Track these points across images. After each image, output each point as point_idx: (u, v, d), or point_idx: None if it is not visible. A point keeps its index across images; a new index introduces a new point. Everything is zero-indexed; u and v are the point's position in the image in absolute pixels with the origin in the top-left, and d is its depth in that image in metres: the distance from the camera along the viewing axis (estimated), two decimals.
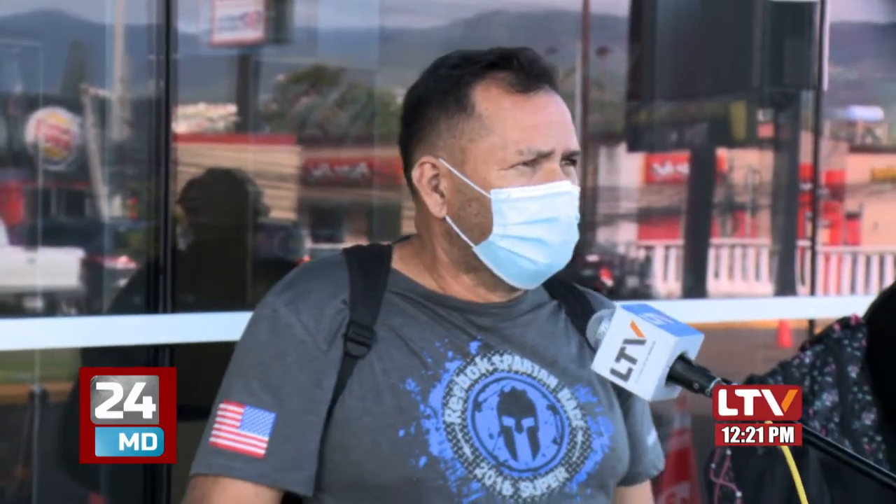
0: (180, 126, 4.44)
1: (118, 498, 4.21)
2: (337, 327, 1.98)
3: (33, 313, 4.26)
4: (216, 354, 4.32)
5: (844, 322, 3.26)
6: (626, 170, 5.98)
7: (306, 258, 4.99)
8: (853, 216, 6.73)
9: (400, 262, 2.06)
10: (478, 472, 1.95)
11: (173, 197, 4.19)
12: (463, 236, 2.00)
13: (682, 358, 1.88)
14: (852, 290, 6.82)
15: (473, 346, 2.01)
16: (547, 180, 1.98)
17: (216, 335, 4.19)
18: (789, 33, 5.81)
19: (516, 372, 2.01)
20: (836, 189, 6.43)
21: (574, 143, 2.02)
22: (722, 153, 6.11)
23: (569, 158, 2.02)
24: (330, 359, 1.97)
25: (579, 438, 2.01)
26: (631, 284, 5.91)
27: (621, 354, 1.89)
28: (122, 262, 4.41)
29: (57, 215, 4.40)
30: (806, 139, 5.86)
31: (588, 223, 5.76)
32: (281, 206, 4.95)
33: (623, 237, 5.99)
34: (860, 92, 6.69)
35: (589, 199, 5.87)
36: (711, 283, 6.21)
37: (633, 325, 1.89)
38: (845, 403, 3.12)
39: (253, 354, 1.99)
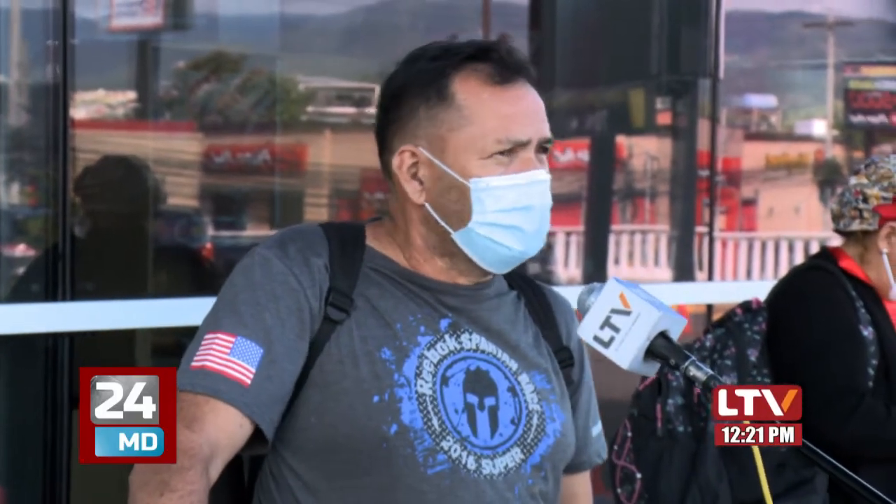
0: (79, 112, 4.40)
1: (16, 486, 4.17)
2: (320, 288, 2.03)
3: None
4: (116, 342, 4.30)
5: (746, 306, 3.30)
6: None
7: (209, 245, 4.96)
8: (749, 202, 6.83)
9: (374, 240, 2.11)
10: (444, 444, 2.00)
11: (72, 184, 4.16)
12: (442, 223, 2.06)
13: (663, 335, 1.96)
14: (748, 275, 6.92)
15: (443, 323, 2.07)
16: (523, 169, 2.04)
17: (116, 323, 4.16)
18: (686, 22, 5.88)
19: (482, 352, 2.08)
20: (732, 176, 6.52)
21: (548, 131, 2.08)
22: (621, 140, 6.16)
23: (543, 147, 2.08)
24: (314, 316, 2.02)
25: (535, 421, 2.07)
26: (532, 270, 5.95)
27: (606, 322, 1.97)
28: (21, 249, 4.36)
29: None
30: (703, 126, 5.93)
31: None
32: (182, 193, 4.92)
33: None
34: (755, 80, 6.79)
35: None
36: (612, 269, 6.26)
37: (622, 296, 1.97)
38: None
39: (247, 293, 2.02)
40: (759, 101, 6.84)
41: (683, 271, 6.00)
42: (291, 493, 2.02)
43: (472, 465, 2.02)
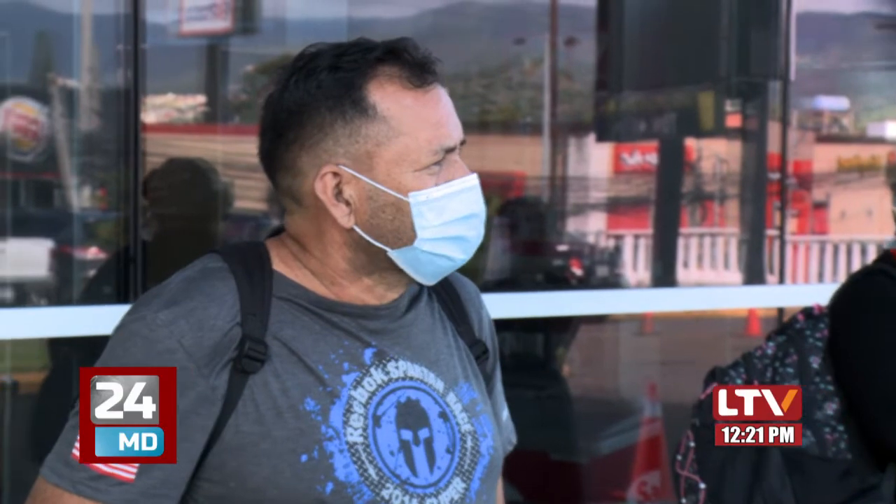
0: (149, 116, 4.45)
1: None
2: (225, 349, 1.86)
3: (3, 304, 4.26)
4: None
5: (808, 312, 3.27)
6: (595, 160, 6.01)
7: None
8: (820, 205, 6.77)
9: (281, 265, 1.94)
10: (384, 493, 1.88)
11: (141, 187, 4.20)
12: (376, 243, 1.91)
13: None
14: (820, 278, 6.86)
15: (368, 354, 1.93)
16: (456, 175, 1.92)
17: None
18: (756, 23, 5.84)
19: (410, 378, 1.95)
20: (803, 178, 6.46)
21: (462, 132, 1.95)
22: (690, 143, 6.13)
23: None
24: (212, 384, 1.85)
25: (469, 444, 1.96)
26: (601, 274, 5.93)
27: None
28: (92, 252, 4.41)
29: (26, 206, 4.40)
30: (773, 129, 5.88)
31: (558, 213, 5.78)
32: (251, 195, 4.96)
33: (592, 227, 6.02)
34: (827, 82, 6.73)
35: (558, 189, 5.89)
36: (681, 272, 6.23)
37: None
38: (807, 394, 3.14)
39: None
40: (830, 102, 6.78)
41: (754, 275, 5.95)
42: None
43: None
